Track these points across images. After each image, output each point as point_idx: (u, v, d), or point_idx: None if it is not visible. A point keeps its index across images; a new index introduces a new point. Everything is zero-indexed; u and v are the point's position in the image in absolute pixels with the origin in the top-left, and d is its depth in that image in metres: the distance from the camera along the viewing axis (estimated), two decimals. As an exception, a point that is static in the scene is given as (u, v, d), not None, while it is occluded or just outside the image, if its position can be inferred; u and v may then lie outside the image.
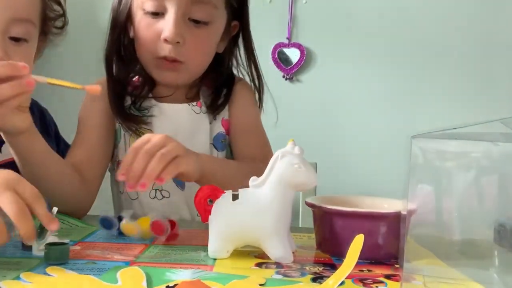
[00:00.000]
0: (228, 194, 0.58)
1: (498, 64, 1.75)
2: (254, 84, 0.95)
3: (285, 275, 0.52)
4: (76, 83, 0.68)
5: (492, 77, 1.75)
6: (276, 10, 1.81)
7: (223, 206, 0.58)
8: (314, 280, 0.51)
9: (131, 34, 0.88)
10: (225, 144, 0.94)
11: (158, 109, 0.90)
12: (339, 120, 1.81)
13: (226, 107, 0.93)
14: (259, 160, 0.85)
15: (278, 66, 1.83)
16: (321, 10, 1.81)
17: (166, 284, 0.47)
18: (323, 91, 1.82)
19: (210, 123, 0.91)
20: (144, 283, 0.47)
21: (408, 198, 0.47)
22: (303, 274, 0.53)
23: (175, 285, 0.46)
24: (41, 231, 0.54)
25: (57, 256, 0.54)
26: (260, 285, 0.48)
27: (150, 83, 0.91)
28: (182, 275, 0.50)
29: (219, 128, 0.92)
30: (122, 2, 0.86)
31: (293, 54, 1.82)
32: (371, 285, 0.50)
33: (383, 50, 1.78)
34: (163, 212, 0.78)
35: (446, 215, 0.49)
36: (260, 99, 0.97)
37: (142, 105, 0.90)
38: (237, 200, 0.57)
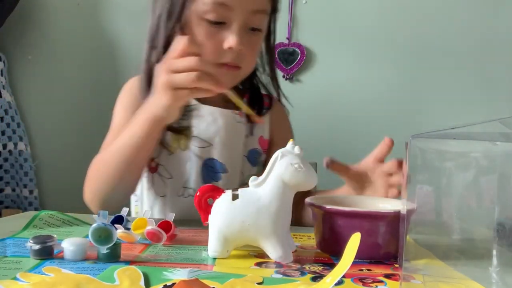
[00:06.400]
0: (228, 193, 0.58)
1: (498, 64, 1.75)
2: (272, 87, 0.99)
3: (284, 275, 0.52)
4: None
5: (492, 77, 1.75)
6: (276, 10, 1.81)
7: (223, 206, 0.58)
8: (313, 279, 0.51)
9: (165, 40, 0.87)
10: (259, 160, 0.97)
11: (199, 110, 0.92)
12: (339, 120, 1.81)
13: (266, 126, 0.97)
14: None
15: (278, 66, 1.83)
16: (321, 10, 1.81)
17: (164, 283, 0.47)
18: (323, 91, 1.82)
19: (246, 136, 0.94)
20: (142, 283, 0.47)
21: (407, 198, 0.47)
22: (303, 274, 0.53)
23: (173, 284, 0.46)
24: (105, 239, 0.56)
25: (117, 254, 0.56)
26: (258, 283, 0.48)
27: None
28: (179, 274, 0.50)
29: (255, 144, 0.95)
30: (173, 12, 0.85)
31: (293, 54, 1.82)
32: (371, 285, 0.50)
33: (383, 50, 1.78)
34: (187, 210, 0.82)
35: (446, 215, 0.49)
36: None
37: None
38: (237, 200, 0.57)
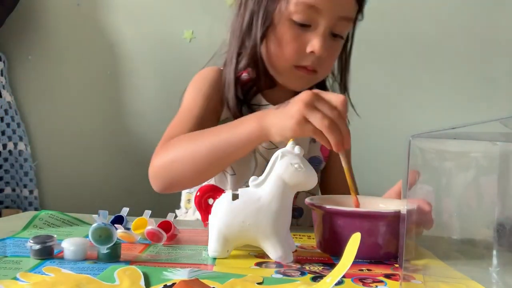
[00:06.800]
0: (228, 193, 0.58)
1: (498, 64, 1.75)
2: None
3: (284, 275, 0.52)
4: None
5: (492, 77, 1.75)
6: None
7: (223, 205, 0.58)
8: (314, 279, 0.51)
9: (260, 38, 0.87)
10: (319, 168, 0.97)
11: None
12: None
13: None
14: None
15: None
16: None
17: (164, 283, 0.47)
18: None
19: (310, 142, 0.94)
20: (142, 283, 0.47)
21: (407, 198, 0.47)
22: (303, 274, 0.53)
23: (173, 284, 0.46)
24: (105, 239, 0.56)
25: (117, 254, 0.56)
26: (258, 283, 0.48)
27: (258, 85, 0.92)
28: (179, 274, 0.50)
29: (316, 151, 0.95)
30: (265, 9, 0.86)
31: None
32: (371, 285, 0.50)
33: (383, 50, 1.78)
34: None
35: (446, 215, 0.49)
36: None
37: (253, 103, 0.92)
38: (237, 200, 0.57)
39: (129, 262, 0.55)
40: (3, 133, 1.68)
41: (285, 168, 0.57)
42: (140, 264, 0.54)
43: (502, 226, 0.46)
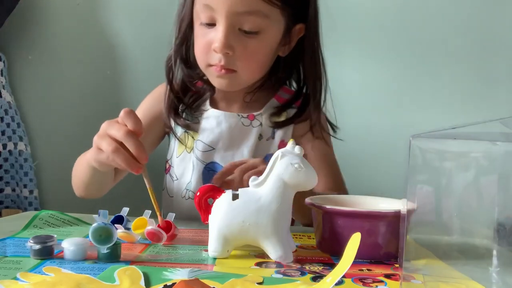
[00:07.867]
0: (228, 193, 0.58)
1: (498, 64, 1.75)
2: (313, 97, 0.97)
3: (285, 275, 0.52)
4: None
5: (492, 77, 1.75)
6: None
7: (223, 205, 0.58)
8: (314, 279, 0.51)
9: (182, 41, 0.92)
10: None
11: (208, 114, 0.93)
12: (339, 120, 1.81)
13: (289, 130, 0.94)
14: (332, 190, 0.90)
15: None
16: (321, 10, 1.81)
17: (164, 283, 0.47)
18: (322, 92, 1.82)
19: (267, 140, 0.93)
20: (142, 283, 0.47)
21: (407, 198, 0.47)
22: (303, 274, 0.53)
23: (173, 284, 0.46)
24: (105, 239, 0.56)
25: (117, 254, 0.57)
26: (258, 283, 0.48)
27: (210, 89, 0.94)
28: (179, 274, 0.50)
29: (275, 148, 0.93)
30: (183, 10, 0.90)
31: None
32: (371, 285, 0.50)
33: (383, 50, 1.78)
34: (187, 212, 0.85)
35: (446, 215, 0.49)
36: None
37: (197, 110, 0.94)
38: (237, 200, 0.57)
39: (129, 262, 0.55)
40: (3, 133, 1.68)
41: (285, 168, 0.57)
42: (140, 264, 0.54)
43: (502, 226, 0.46)
